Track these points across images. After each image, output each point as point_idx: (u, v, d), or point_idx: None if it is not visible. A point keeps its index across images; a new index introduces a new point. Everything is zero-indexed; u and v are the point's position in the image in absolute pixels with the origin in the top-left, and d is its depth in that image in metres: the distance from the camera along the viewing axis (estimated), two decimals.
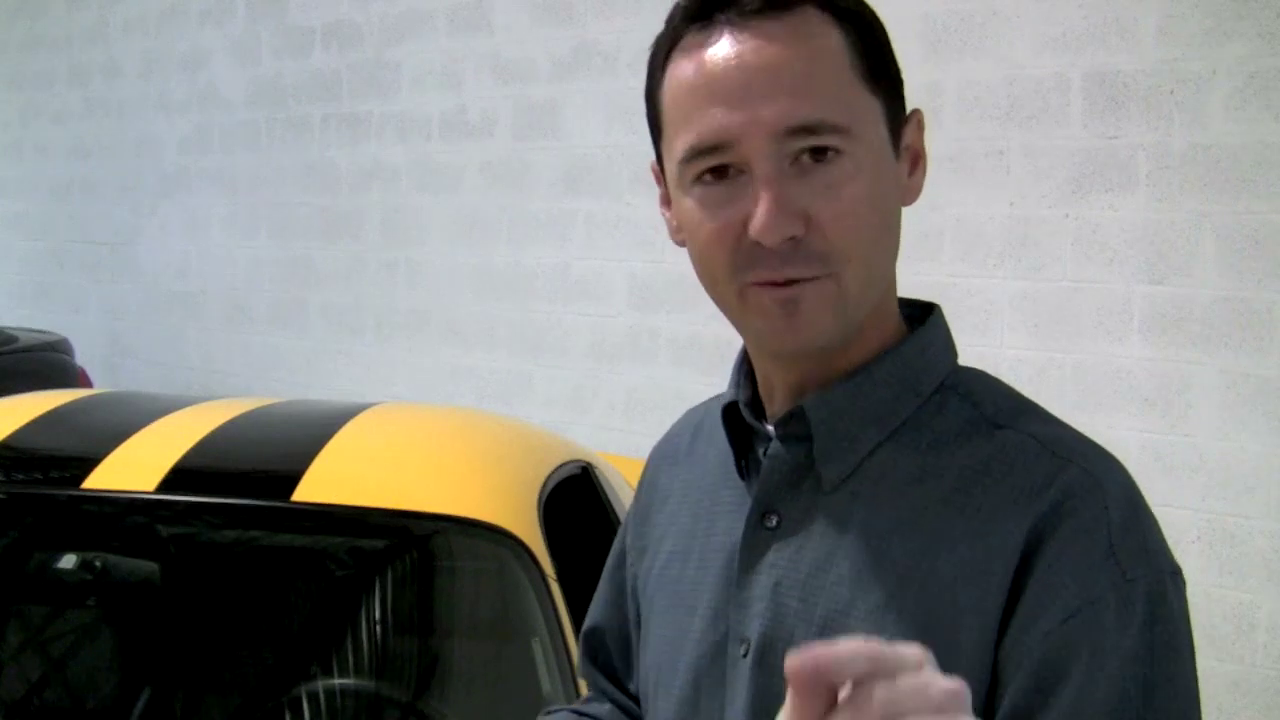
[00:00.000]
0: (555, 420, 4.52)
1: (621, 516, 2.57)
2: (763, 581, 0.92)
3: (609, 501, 2.56)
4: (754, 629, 0.92)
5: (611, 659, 1.16)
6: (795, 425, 0.93)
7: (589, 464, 2.57)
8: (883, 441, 0.91)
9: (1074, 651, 0.81)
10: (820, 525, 0.91)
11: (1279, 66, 3.17)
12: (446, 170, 5.29)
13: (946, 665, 0.82)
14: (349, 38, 5.70)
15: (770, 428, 0.95)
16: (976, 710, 0.83)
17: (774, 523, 0.93)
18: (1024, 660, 0.82)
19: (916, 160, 0.95)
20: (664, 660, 1.00)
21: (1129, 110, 3.39)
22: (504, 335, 5.11)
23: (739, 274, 0.88)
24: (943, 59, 3.72)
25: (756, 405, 0.98)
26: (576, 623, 1.94)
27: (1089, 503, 0.84)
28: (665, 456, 1.11)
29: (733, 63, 0.86)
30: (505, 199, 5.07)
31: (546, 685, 1.85)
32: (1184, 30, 3.30)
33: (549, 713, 1.19)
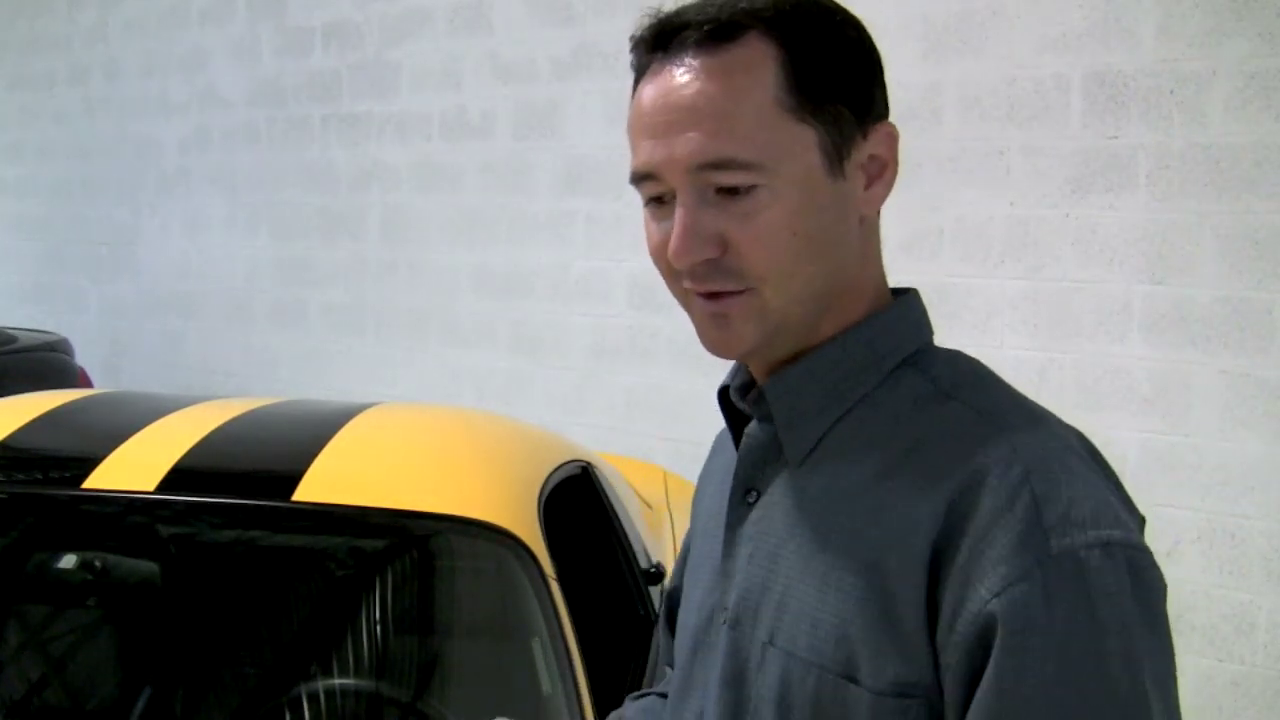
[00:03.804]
0: (555, 420, 4.52)
1: (621, 516, 2.58)
2: (741, 554, 0.99)
3: (609, 501, 2.56)
4: (732, 599, 0.98)
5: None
6: (762, 405, 0.99)
7: (589, 464, 2.57)
8: (842, 416, 0.96)
9: (1002, 631, 0.81)
10: (787, 499, 0.97)
11: (1279, 66, 3.17)
12: (446, 170, 5.29)
13: (885, 634, 0.86)
14: (349, 38, 5.70)
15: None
16: (925, 687, 0.85)
17: (753, 498, 0.99)
18: (958, 643, 0.83)
19: (882, 171, 0.97)
20: (681, 630, 1.08)
21: (1129, 110, 3.39)
22: (504, 335, 5.11)
23: (675, 281, 0.98)
24: (943, 59, 3.71)
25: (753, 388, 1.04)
26: (576, 623, 1.94)
27: (1011, 472, 0.85)
28: (716, 442, 1.17)
29: (660, 100, 0.93)
30: (505, 199, 5.07)
31: (546, 685, 1.85)
32: (1184, 30, 3.30)
33: (637, 697, 1.27)
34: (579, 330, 4.83)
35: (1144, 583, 0.84)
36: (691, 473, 4.33)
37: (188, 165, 6.60)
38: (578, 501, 2.45)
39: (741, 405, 1.03)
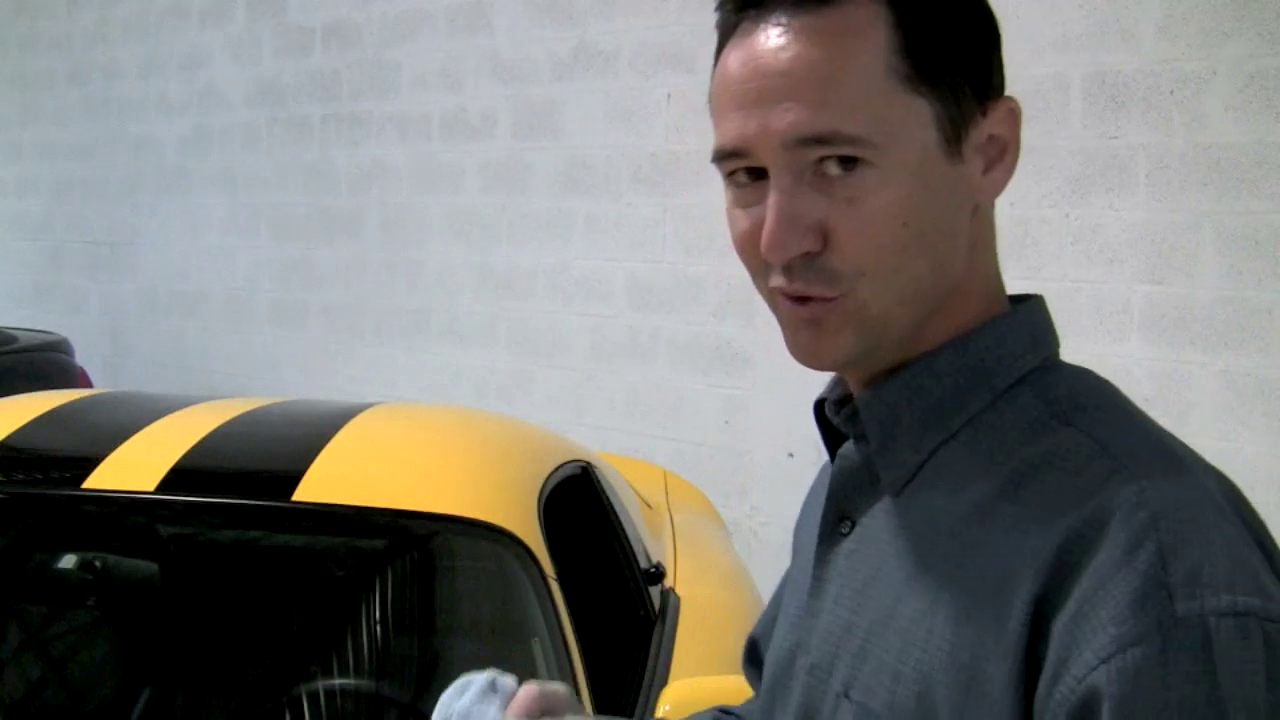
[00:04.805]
0: (555, 420, 4.52)
1: (621, 517, 2.58)
2: (829, 590, 0.88)
3: (609, 501, 2.56)
4: (815, 640, 0.88)
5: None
6: (857, 423, 0.87)
7: (589, 464, 2.57)
8: (946, 441, 0.84)
9: (1109, 704, 0.69)
10: (881, 531, 0.85)
11: (1279, 66, 3.17)
12: (446, 170, 5.29)
13: (972, 694, 0.75)
14: (349, 38, 5.70)
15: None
16: None
17: (847, 528, 0.88)
18: (1057, 710, 0.71)
19: (1002, 153, 0.85)
20: (767, 662, 0.98)
21: (1129, 110, 3.39)
22: (504, 335, 5.11)
23: (763, 277, 0.84)
24: None
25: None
26: (576, 623, 1.94)
27: (1134, 519, 0.73)
28: (825, 462, 1.03)
29: (752, 65, 0.81)
30: (505, 199, 5.07)
31: None
32: (1184, 30, 3.30)
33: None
34: (579, 330, 4.83)
35: (1259, 663, 0.71)
36: (691, 473, 4.31)
37: (187, 165, 6.60)
38: (578, 501, 2.45)
39: (836, 421, 0.90)
